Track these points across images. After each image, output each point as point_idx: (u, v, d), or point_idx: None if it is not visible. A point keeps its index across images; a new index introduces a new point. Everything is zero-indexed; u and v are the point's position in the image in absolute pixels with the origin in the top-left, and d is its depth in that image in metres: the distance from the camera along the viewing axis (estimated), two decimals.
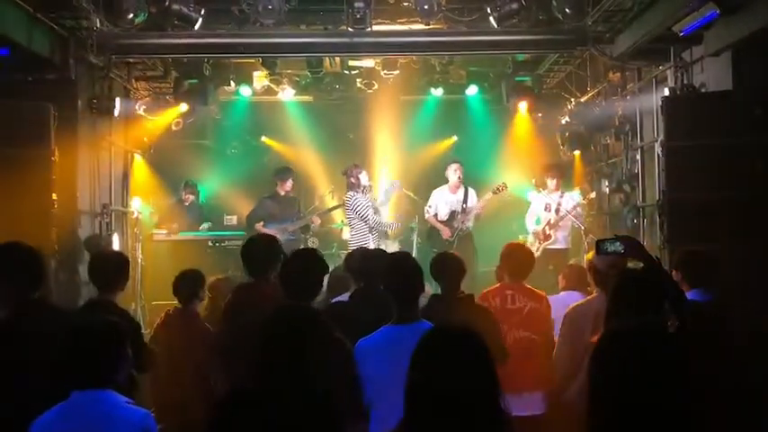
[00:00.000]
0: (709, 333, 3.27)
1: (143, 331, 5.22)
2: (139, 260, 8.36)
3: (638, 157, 8.43)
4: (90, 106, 7.32)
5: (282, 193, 8.94)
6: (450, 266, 4.28)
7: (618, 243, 3.09)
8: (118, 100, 7.66)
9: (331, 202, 9.64)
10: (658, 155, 7.07)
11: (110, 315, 3.17)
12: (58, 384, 2.73)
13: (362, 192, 8.12)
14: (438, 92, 9.78)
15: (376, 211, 8.16)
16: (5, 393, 3.14)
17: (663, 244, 6.50)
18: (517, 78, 8.85)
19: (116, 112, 7.68)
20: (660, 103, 6.85)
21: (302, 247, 7.92)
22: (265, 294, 3.91)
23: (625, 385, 1.79)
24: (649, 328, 1.96)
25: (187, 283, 4.82)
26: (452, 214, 8.68)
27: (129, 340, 2.89)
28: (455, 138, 11.05)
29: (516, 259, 4.78)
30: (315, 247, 9.31)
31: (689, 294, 3.92)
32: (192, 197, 9.79)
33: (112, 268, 4.09)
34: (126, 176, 8.72)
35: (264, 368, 2.59)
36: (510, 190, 8.81)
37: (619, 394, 1.79)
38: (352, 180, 8.11)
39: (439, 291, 4.37)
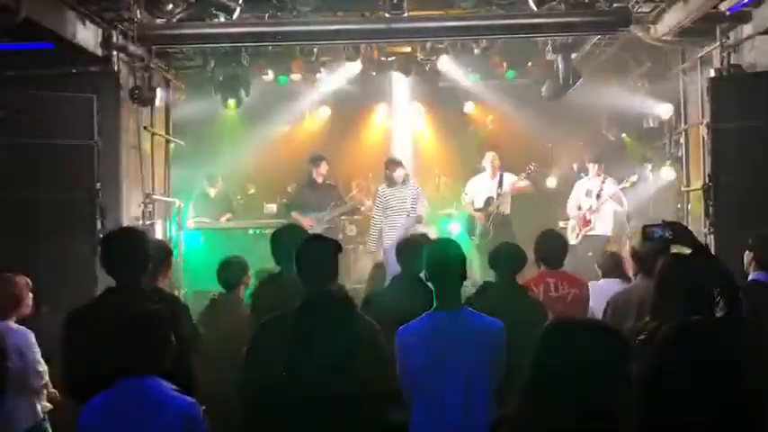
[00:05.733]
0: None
1: None
2: (182, 248, 8.49)
3: (683, 140, 8.24)
4: (132, 97, 7.42)
5: (320, 180, 8.84)
6: (504, 256, 4.25)
7: (666, 228, 3.01)
8: (159, 90, 7.75)
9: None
10: (704, 138, 6.90)
11: (159, 301, 3.20)
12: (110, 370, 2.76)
13: (395, 186, 8.16)
14: (476, 77, 9.68)
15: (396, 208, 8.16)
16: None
17: (709, 229, 6.36)
18: (557, 62, 8.68)
19: (157, 102, 7.78)
20: (706, 84, 6.67)
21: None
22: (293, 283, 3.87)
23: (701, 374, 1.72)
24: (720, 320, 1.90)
25: (232, 270, 4.86)
26: (488, 200, 8.61)
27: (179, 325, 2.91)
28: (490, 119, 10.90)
29: (550, 247, 4.72)
30: (353, 235, 9.38)
31: (756, 275, 3.84)
32: (215, 188, 9.77)
33: (157, 256, 4.15)
34: (168, 165, 8.84)
35: (294, 354, 2.60)
36: (542, 170, 8.71)
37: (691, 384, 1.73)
38: (387, 173, 8.20)
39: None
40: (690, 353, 1.87)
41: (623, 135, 9.92)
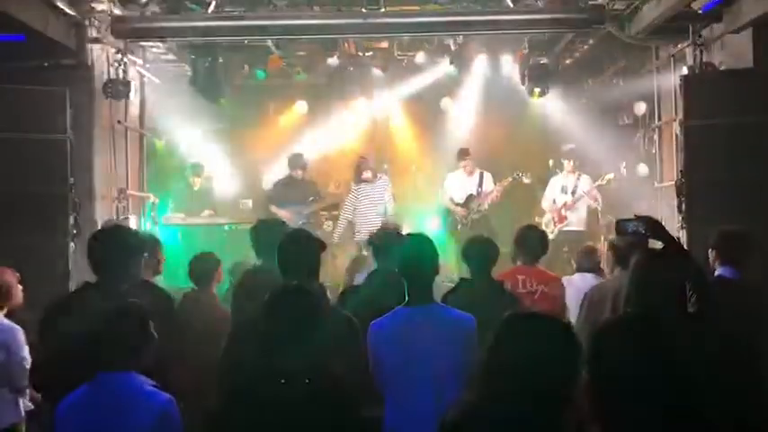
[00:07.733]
0: (734, 308, 3.24)
1: None
2: None
3: (656, 137, 8.34)
4: (105, 91, 7.34)
5: (299, 177, 8.86)
6: (478, 251, 4.25)
7: (639, 223, 3.06)
8: (133, 84, 7.67)
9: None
10: (676, 134, 6.98)
11: (153, 296, 3.19)
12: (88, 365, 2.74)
13: (365, 183, 8.38)
14: (453, 73, 9.68)
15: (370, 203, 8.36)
16: None
17: (681, 224, 6.44)
18: (533, 58, 8.73)
19: (131, 96, 7.69)
20: (679, 81, 6.75)
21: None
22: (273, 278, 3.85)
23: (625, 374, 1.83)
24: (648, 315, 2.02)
25: (203, 266, 4.83)
26: (469, 198, 8.67)
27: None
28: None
29: (529, 242, 4.75)
30: (330, 231, 9.35)
31: (721, 271, 3.90)
32: (199, 180, 9.58)
33: (150, 250, 4.11)
34: (142, 160, 8.75)
35: (267, 349, 2.60)
36: (529, 178, 8.77)
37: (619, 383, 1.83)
38: (356, 172, 8.44)
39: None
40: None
41: (597, 131, 9.99)
